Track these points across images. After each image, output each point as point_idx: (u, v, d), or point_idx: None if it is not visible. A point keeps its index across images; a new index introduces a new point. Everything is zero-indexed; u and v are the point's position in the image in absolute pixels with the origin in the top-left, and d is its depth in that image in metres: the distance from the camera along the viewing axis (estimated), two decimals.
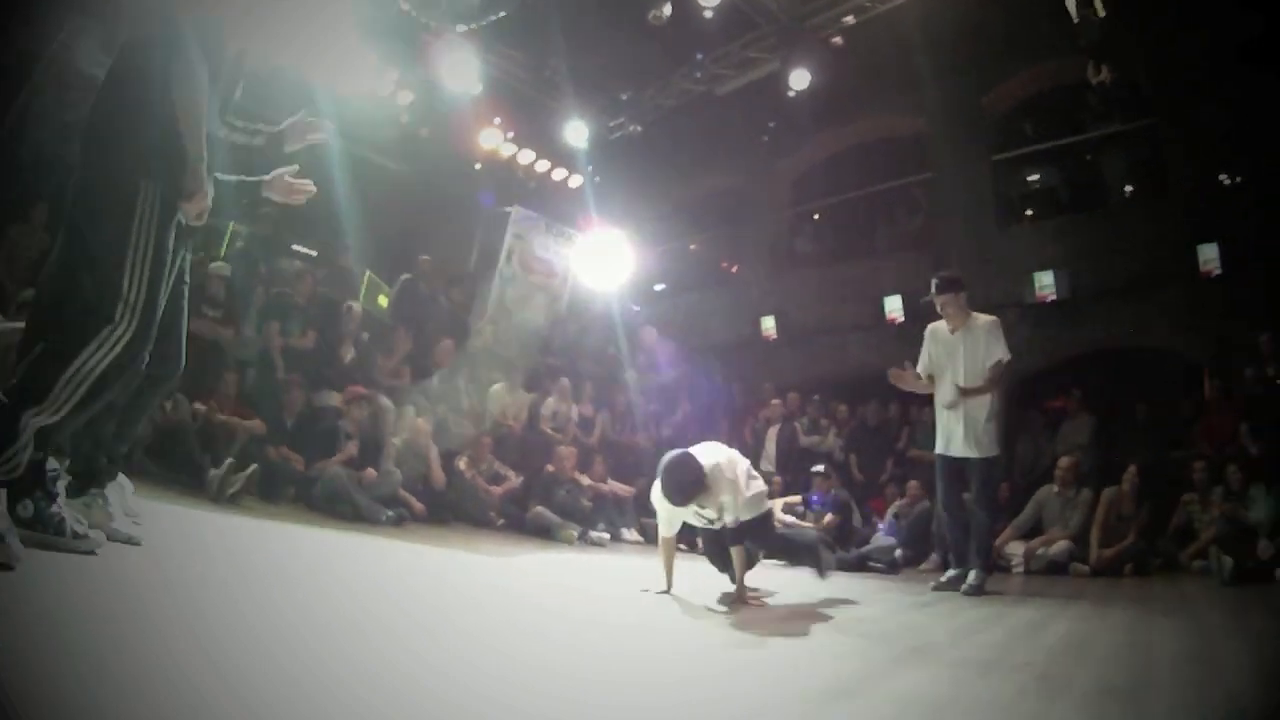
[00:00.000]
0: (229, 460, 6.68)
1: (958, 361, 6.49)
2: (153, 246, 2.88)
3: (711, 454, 4.69)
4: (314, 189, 3.99)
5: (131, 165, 3.04)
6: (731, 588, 4.75)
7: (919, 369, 6.74)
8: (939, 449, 6.61)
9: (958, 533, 6.57)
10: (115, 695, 1.44)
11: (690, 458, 4.55)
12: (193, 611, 2.35)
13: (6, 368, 6.14)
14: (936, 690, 2.64)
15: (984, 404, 6.39)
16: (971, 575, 6.24)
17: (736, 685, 2.49)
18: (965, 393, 6.38)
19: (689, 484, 4.49)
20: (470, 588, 4.15)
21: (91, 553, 2.97)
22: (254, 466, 6.89)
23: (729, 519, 4.59)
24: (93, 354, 2.90)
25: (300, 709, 1.32)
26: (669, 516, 4.76)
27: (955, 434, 6.45)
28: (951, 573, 6.54)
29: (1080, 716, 2.43)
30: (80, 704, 1.50)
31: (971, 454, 6.37)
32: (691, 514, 4.73)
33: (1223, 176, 10.83)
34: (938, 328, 6.74)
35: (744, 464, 4.82)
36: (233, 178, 3.65)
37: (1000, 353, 6.39)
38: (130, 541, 3.42)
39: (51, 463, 3.05)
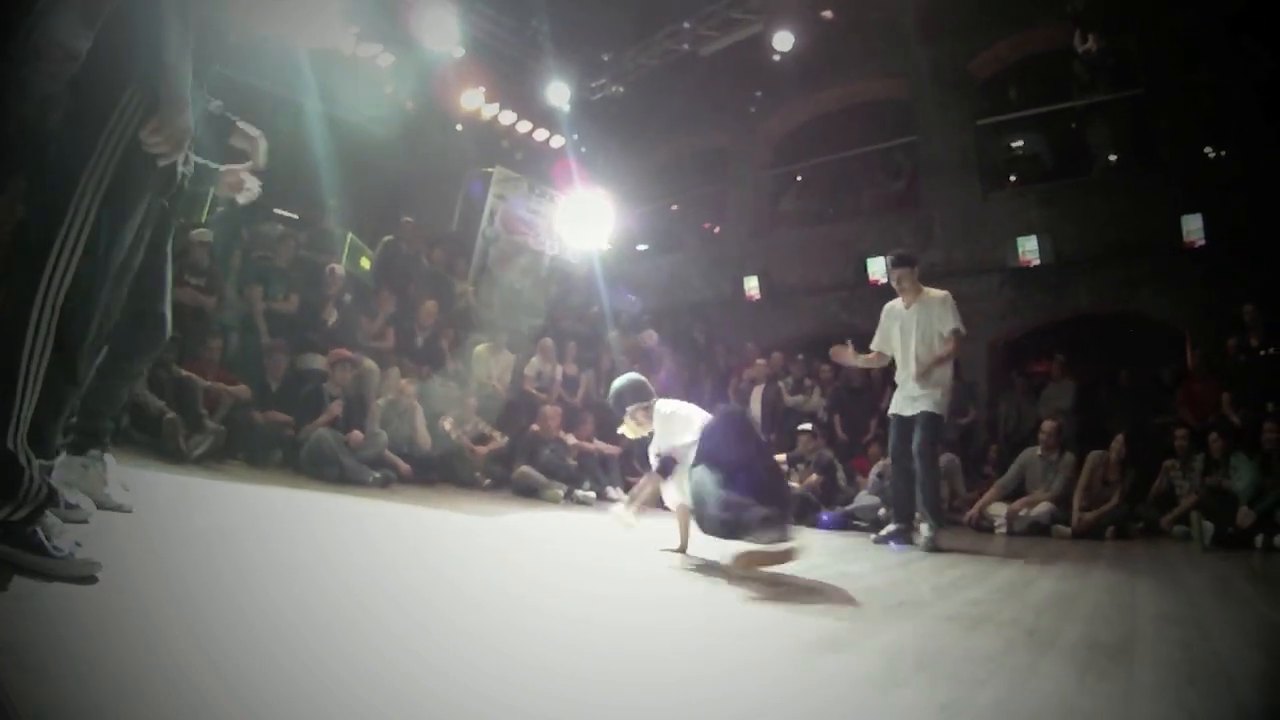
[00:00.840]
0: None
1: (910, 336, 6.74)
2: (118, 159, 2.49)
3: (672, 401, 4.73)
4: (258, 193, 3.95)
5: (111, 75, 2.80)
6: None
7: (873, 344, 7.04)
8: (892, 410, 6.90)
9: (901, 487, 6.78)
10: (104, 664, 1.43)
11: (641, 378, 4.85)
12: (177, 579, 2.35)
13: None
14: (926, 644, 2.65)
15: (938, 375, 6.65)
16: (924, 529, 6.43)
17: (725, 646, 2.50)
18: (922, 374, 6.64)
19: (626, 390, 4.70)
20: (458, 548, 4.16)
21: (84, 521, 2.88)
22: (220, 427, 6.98)
23: (652, 449, 4.57)
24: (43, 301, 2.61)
25: (290, 676, 1.31)
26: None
27: (908, 400, 6.72)
28: (891, 527, 6.76)
29: (1069, 669, 2.44)
30: (67, 674, 1.49)
31: (919, 409, 6.62)
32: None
33: (1208, 149, 10.85)
34: (894, 305, 7.01)
35: (690, 421, 4.54)
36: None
37: (953, 323, 6.63)
38: (120, 509, 3.37)
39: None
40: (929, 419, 6.59)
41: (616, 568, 3.28)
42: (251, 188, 3.93)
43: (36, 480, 2.29)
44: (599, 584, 2.59)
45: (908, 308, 6.83)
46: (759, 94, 14.40)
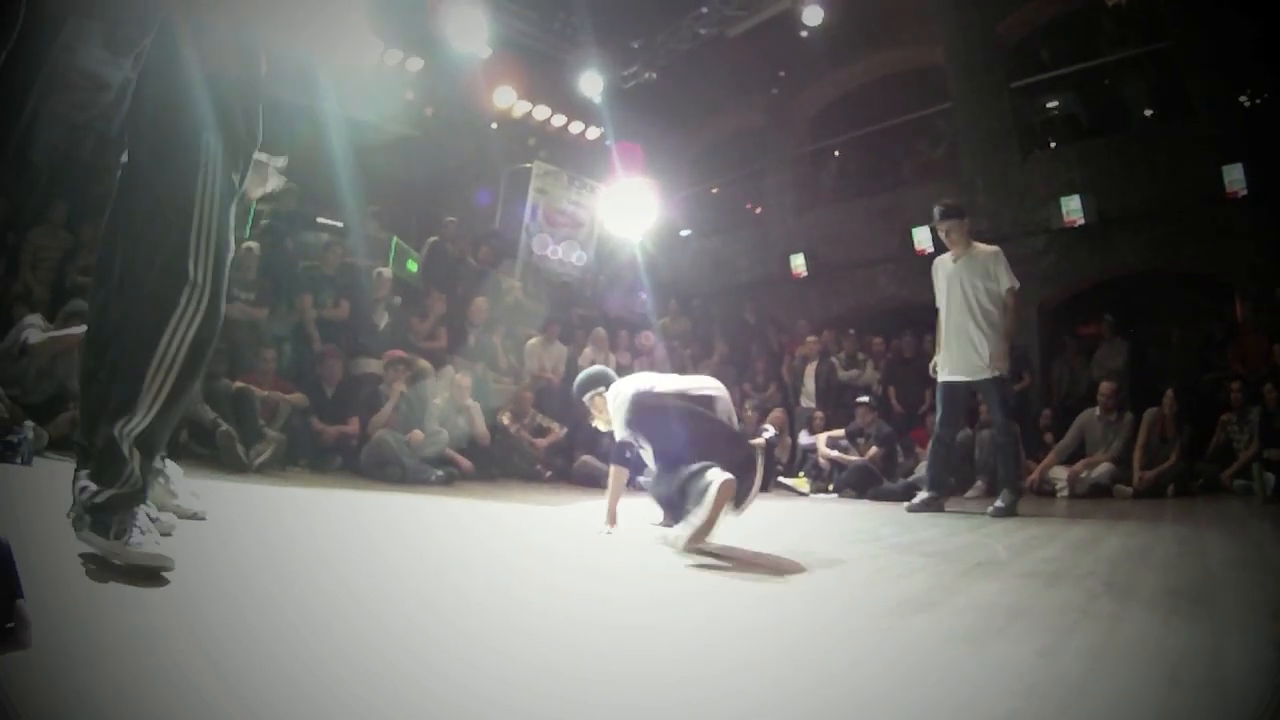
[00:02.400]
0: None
1: (958, 289, 6.58)
2: (217, 203, 2.60)
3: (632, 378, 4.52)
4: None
5: (191, 123, 2.90)
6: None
7: (939, 303, 6.82)
8: (942, 376, 6.72)
9: (941, 456, 6.72)
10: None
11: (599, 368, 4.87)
12: (251, 583, 2.41)
13: (58, 374, 6.25)
14: (1010, 599, 2.70)
15: (981, 327, 6.47)
16: (1002, 496, 6.36)
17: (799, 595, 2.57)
18: (1004, 336, 6.46)
19: (579, 382, 4.70)
20: (526, 536, 4.26)
21: (167, 534, 2.79)
22: (280, 435, 7.12)
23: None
24: (173, 334, 2.58)
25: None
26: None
27: (957, 359, 6.57)
28: (923, 496, 6.69)
29: (1153, 614, 2.48)
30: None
31: (975, 376, 6.50)
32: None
33: (1243, 98, 10.68)
34: (942, 259, 6.85)
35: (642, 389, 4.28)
36: None
37: (1008, 280, 6.45)
38: (196, 517, 3.41)
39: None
40: (999, 384, 6.50)
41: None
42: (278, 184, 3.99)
43: (136, 474, 2.39)
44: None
45: (955, 261, 6.67)
46: (791, 71, 14.37)
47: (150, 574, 2.21)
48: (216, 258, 2.57)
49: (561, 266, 13.29)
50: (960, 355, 6.54)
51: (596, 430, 4.70)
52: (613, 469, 4.45)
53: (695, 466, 3.58)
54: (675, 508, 3.64)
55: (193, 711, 1.21)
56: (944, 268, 6.76)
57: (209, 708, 1.23)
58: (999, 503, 6.30)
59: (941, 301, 6.76)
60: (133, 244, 2.56)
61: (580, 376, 4.77)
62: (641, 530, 4.21)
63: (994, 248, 6.68)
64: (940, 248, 7.12)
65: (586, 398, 4.60)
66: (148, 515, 2.56)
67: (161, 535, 2.54)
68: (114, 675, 1.29)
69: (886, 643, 2.05)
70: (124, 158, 2.66)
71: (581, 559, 2.76)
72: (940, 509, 6.54)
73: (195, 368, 2.57)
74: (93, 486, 2.37)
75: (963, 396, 6.72)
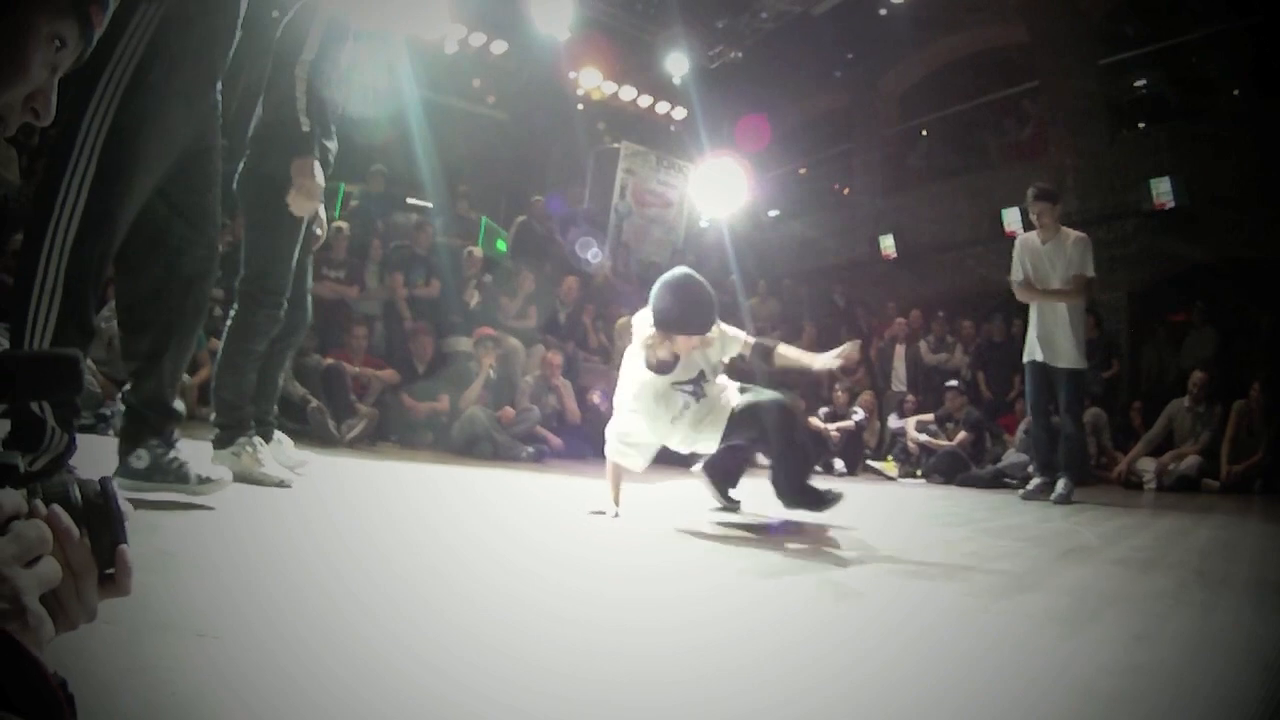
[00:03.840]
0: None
1: (1046, 270, 6.57)
2: (119, 99, 2.43)
3: None
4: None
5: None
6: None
7: (1013, 276, 6.81)
8: (1026, 357, 6.73)
9: (1043, 438, 6.73)
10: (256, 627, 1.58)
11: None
12: (340, 546, 2.54)
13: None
14: (1104, 584, 2.80)
15: (1067, 313, 6.48)
16: (1060, 484, 6.41)
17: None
18: (1049, 294, 6.49)
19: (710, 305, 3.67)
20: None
21: (216, 491, 2.82)
22: (373, 410, 7.36)
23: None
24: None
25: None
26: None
27: (1042, 341, 6.57)
28: (1037, 480, 6.71)
29: (1245, 602, 2.57)
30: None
31: (1058, 364, 6.49)
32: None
33: None
34: (1028, 238, 6.82)
35: None
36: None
37: (1086, 267, 6.45)
38: (282, 485, 3.51)
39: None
40: (1074, 375, 6.50)
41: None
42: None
43: (57, 431, 2.35)
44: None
45: (1044, 243, 6.62)
46: (875, 50, 14.24)
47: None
48: (109, 160, 2.46)
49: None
50: (1046, 338, 6.55)
51: None
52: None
53: None
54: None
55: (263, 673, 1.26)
56: (1032, 248, 6.71)
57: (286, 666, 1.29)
58: (1060, 490, 6.36)
59: (1022, 279, 6.72)
60: None
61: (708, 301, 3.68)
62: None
63: (1082, 234, 6.66)
64: (1030, 229, 7.10)
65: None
66: (196, 474, 2.78)
67: (206, 494, 2.78)
68: (200, 638, 1.37)
69: (988, 623, 2.14)
70: None
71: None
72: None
73: (81, 291, 2.47)
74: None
75: (1047, 378, 6.71)
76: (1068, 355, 6.46)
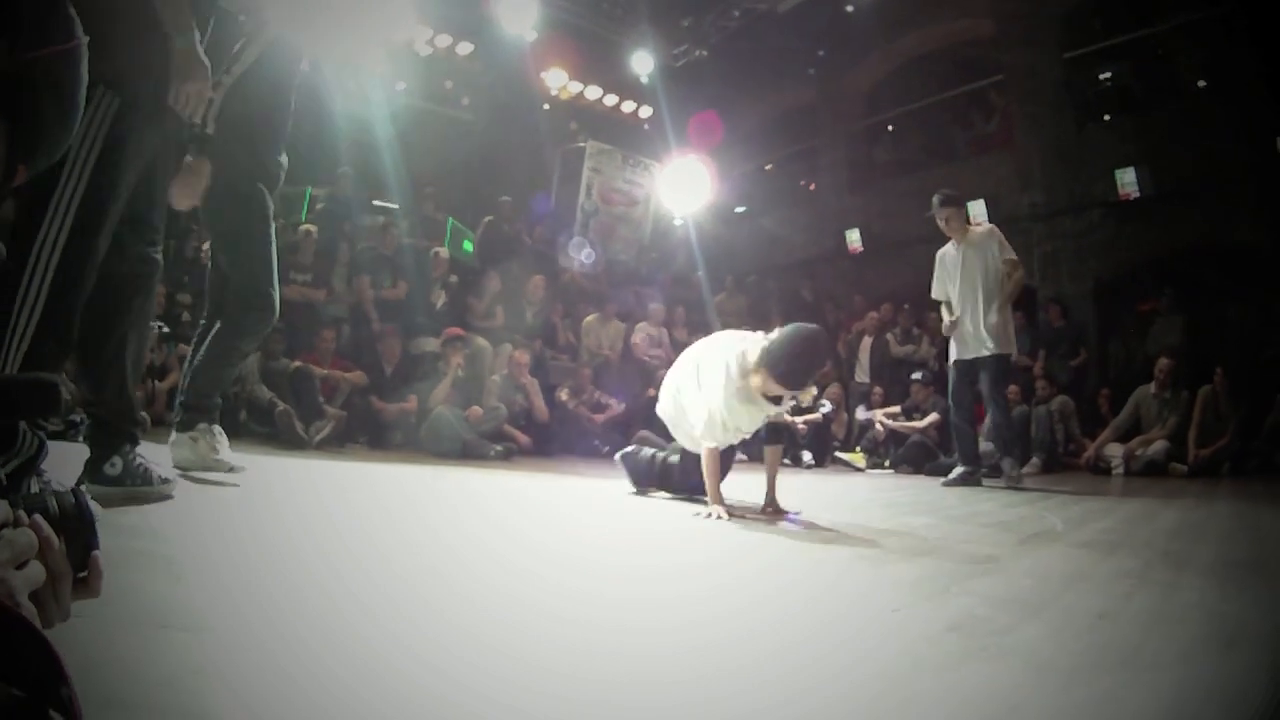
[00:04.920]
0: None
1: (974, 275, 6.62)
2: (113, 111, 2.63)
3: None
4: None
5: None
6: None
7: (934, 294, 6.92)
8: (953, 357, 6.83)
9: (963, 430, 6.80)
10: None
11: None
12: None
13: None
14: (1069, 566, 2.78)
15: (983, 306, 6.54)
16: (1006, 465, 6.54)
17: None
18: (1001, 307, 6.55)
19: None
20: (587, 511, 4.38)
21: (169, 497, 2.92)
22: (341, 412, 7.30)
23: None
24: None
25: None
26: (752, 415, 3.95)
27: (967, 339, 6.65)
28: (960, 470, 6.74)
29: (1210, 581, 2.55)
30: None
31: (982, 352, 6.57)
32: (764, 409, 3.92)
33: None
34: (945, 250, 6.90)
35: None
36: None
37: (1007, 251, 6.57)
38: (235, 470, 3.64)
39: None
40: (999, 360, 6.58)
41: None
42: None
43: (29, 435, 2.35)
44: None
45: (956, 247, 6.73)
46: (841, 47, 14.26)
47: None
48: (99, 172, 2.62)
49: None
50: (973, 335, 6.60)
51: (653, 405, 4.45)
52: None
53: None
54: None
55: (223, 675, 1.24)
56: (949, 256, 6.81)
57: (243, 670, 1.27)
58: (1008, 471, 6.48)
59: (950, 289, 6.77)
60: None
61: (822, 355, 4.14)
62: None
63: (989, 225, 6.84)
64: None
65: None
66: (159, 475, 2.93)
67: (164, 498, 2.88)
68: (160, 638, 1.36)
69: (948, 606, 2.13)
70: None
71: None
72: (978, 484, 6.60)
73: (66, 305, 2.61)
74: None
75: (972, 371, 6.75)
76: (988, 343, 6.52)
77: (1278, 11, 9.81)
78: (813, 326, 3.84)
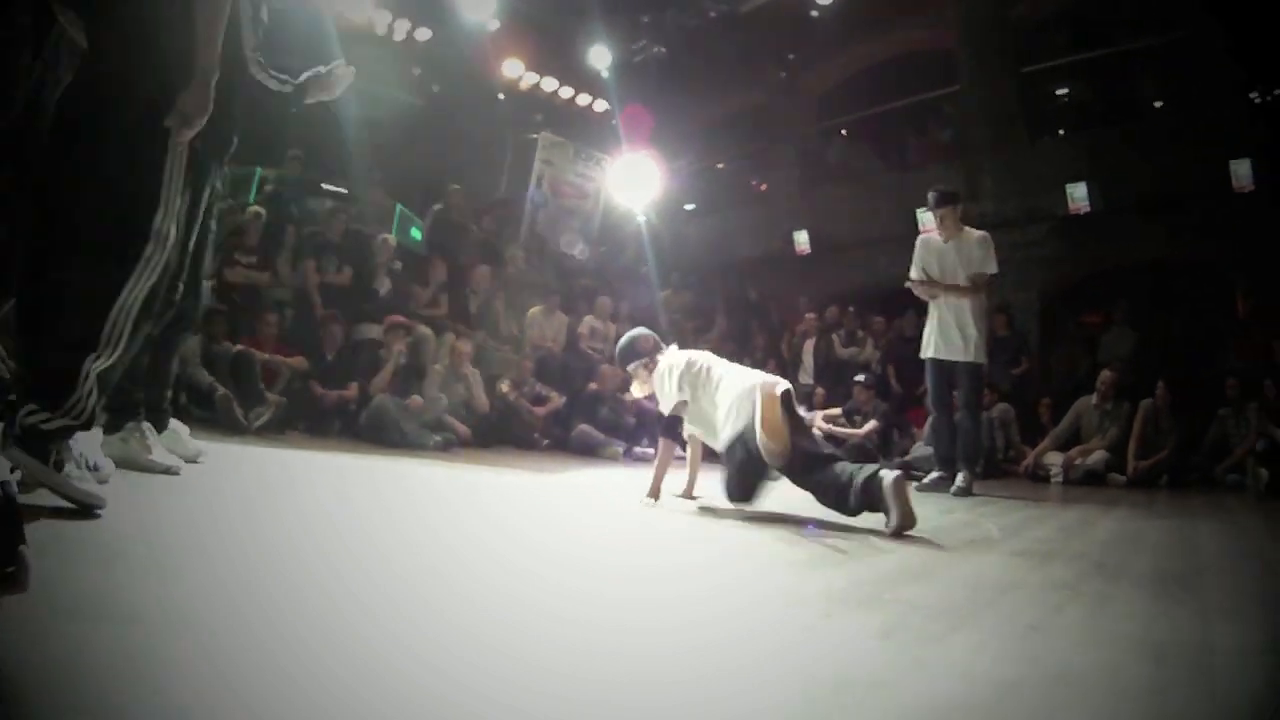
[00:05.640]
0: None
1: (950, 268, 6.65)
2: (180, 169, 2.67)
3: (693, 353, 4.46)
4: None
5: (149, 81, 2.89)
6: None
7: (913, 275, 6.87)
8: (927, 353, 6.79)
9: (944, 432, 6.79)
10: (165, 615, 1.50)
11: (646, 332, 4.62)
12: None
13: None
14: (1003, 574, 2.74)
15: (969, 310, 6.55)
16: (959, 478, 6.46)
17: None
18: (950, 289, 6.58)
19: (624, 347, 4.58)
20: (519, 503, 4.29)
21: (104, 482, 2.71)
22: (280, 398, 7.13)
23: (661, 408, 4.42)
24: (133, 286, 2.68)
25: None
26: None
27: (941, 338, 6.65)
28: (935, 474, 6.74)
29: (1143, 594, 2.52)
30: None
31: (957, 358, 6.56)
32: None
33: (1254, 94, 10.64)
34: (928, 238, 6.94)
35: (703, 370, 4.28)
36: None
37: (988, 265, 6.58)
38: (169, 472, 3.45)
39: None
40: (972, 370, 6.58)
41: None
42: (346, 76, 4.11)
43: (85, 406, 2.44)
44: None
45: (946, 242, 6.72)
46: (800, 50, 14.27)
47: (84, 510, 2.29)
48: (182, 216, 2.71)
49: (570, 259, 13.24)
50: (944, 335, 6.62)
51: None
52: (662, 442, 4.45)
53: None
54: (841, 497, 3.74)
55: (168, 674, 1.21)
56: (934, 248, 6.80)
57: (187, 672, 1.23)
58: (959, 483, 6.41)
59: (932, 275, 6.75)
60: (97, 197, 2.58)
61: (624, 342, 4.64)
62: (653, 524, 3.77)
63: (983, 233, 6.76)
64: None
65: (633, 366, 4.51)
66: (86, 458, 2.65)
67: (99, 482, 2.61)
68: (94, 635, 1.25)
69: (876, 616, 2.06)
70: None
71: (584, 557, 2.74)
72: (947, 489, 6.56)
73: (148, 315, 2.75)
74: (42, 413, 2.39)
75: (948, 374, 6.75)
76: (966, 350, 6.52)
77: (1236, 38, 9.99)
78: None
